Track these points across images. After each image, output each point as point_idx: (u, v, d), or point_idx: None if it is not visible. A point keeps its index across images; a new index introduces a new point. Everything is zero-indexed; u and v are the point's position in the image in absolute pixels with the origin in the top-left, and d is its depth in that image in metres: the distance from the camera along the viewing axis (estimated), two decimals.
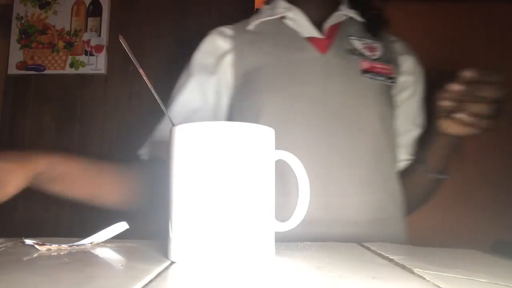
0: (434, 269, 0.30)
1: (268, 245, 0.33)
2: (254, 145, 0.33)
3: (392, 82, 0.74)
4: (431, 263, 0.32)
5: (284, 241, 0.41)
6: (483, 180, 1.22)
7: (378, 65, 0.73)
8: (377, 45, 0.76)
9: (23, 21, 1.66)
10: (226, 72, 0.75)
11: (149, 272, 0.28)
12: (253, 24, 0.77)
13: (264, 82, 0.71)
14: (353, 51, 0.73)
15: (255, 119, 0.69)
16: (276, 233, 0.36)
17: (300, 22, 0.75)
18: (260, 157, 0.33)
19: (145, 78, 0.40)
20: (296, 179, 0.37)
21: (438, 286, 0.25)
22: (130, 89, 1.66)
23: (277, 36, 0.75)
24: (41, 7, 1.67)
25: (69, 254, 0.35)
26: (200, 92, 0.75)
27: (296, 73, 0.70)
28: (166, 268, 0.30)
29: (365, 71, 0.71)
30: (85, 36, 1.66)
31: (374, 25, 0.79)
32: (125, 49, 0.39)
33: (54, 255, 0.34)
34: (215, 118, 0.75)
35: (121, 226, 0.42)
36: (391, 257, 0.35)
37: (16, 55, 1.65)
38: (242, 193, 0.31)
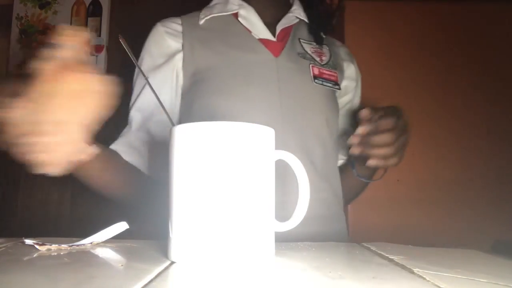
0: (434, 269, 0.30)
1: (268, 245, 0.33)
2: (254, 145, 0.33)
3: (338, 88, 0.75)
4: (431, 263, 0.32)
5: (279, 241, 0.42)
6: (483, 180, 1.22)
7: (326, 71, 0.74)
8: (325, 50, 0.77)
9: (23, 21, 1.67)
10: (178, 73, 0.71)
11: (149, 272, 0.28)
12: (204, 19, 0.73)
13: (217, 83, 0.67)
14: (304, 55, 0.73)
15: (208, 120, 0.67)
16: (276, 233, 0.36)
17: (252, 22, 0.73)
18: (260, 157, 0.33)
19: (145, 78, 0.40)
20: (296, 179, 0.37)
21: (438, 286, 0.25)
22: (130, 89, 1.66)
23: (229, 35, 0.72)
24: (41, 7, 1.67)
25: (69, 254, 0.35)
26: (165, 91, 0.71)
27: (250, 75, 0.68)
28: (166, 268, 0.30)
29: (315, 77, 0.72)
30: None
31: (322, 29, 0.79)
32: (125, 49, 0.39)
33: (54, 255, 0.34)
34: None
35: (121, 226, 0.42)
36: (391, 257, 0.35)
37: (16, 55, 1.65)
38: (242, 193, 0.31)
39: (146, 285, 0.24)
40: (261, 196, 0.33)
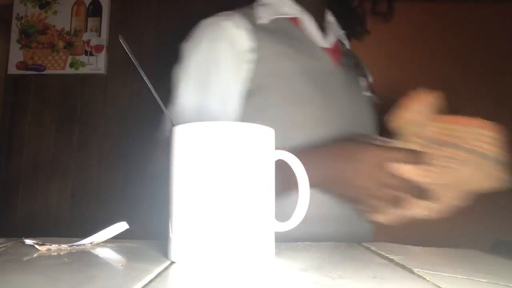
0: (434, 269, 0.30)
1: (268, 245, 0.33)
2: (254, 145, 0.33)
3: (373, 98, 0.76)
4: (431, 263, 0.32)
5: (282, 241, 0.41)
6: None
7: (367, 82, 0.75)
8: (359, 60, 0.79)
9: (23, 21, 1.67)
10: (246, 76, 0.64)
11: (149, 272, 0.28)
12: (268, 19, 0.67)
13: (291, 90, 0.63)
14: (355, 67, 0.74)
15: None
16: (276, 233, 0.36)
17: (312, 29, 0.71)
18: (260, 157, 0.33)
19: (145, 78, 0.40)
20: (296, 179, 0.36)
21: (438, 286, 0.25)
22: (130, 89, 1.66)
23: (293, 39, 0.68)
24: (41, 7, 1.67)
25: (69, 254, 0.35)
26: (221, 99, 0.63)
27: (322, 84, 0.66)
28: (166, 268, 0.30)
29: (365, 88, 0.73)
30: (85, 36, 1.66)
31: (355, 36, 0.80)
32: (125, 49, 0.39)
33: (54, 255, 0.34)
34: None
35: (121, 226, 0.42)
36: (391, 257, 0.35)
37: (16, 55, 1.65)
38: (242, 193, 0.31)
39: (146, 285, 0.24)
40: (261, 196, 0.33)
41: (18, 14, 1.67)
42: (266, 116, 0.63)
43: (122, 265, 0.31)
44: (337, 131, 0.64)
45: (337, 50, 0.74)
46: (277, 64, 0.64)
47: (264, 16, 0.68)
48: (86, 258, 0.33)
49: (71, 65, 1.64)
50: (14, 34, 1.67)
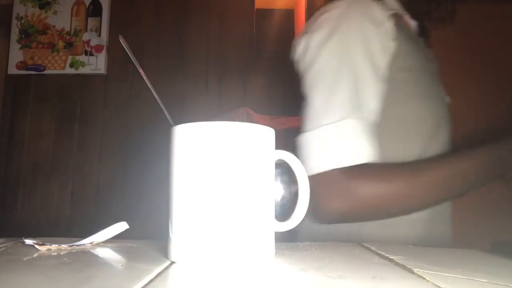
0: (434, 269, 0.30)
1: (268, 245, 0.33)
2: (254, 145, 0.33)
3: None
4: (431, 263, 0.32)
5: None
6: None
7: None
8: None
9: (23, 21, 1.67)
10: (387, 62, 0.59)
11: (149, 272, 0.28)
12: (391, 12, 0.62)
13: (420, 86, 0.62)
14: None
15: (428, 129, 0.62)
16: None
17: (412, 25, 0.72)
18: (260, 157, 0.33)
19: (145, 78, 0.40)
20: (296, 179, 0.36)
21: (438, 286, 0.25)
22: (130, 89, 1.66)
23: (417, 40, 0.70)
24: (41, 7, 1.67)
25: (69, 254, 0.35)
26: (372, 97, 0.58)
27: (434, 81, 0.68)
28: (166, 268, 0.30)
29: None
30: (85, 36, 1.66)
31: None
32: (125, 49, 0.39)
33: (54, 255, 0.34)
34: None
35: (121, 226, 0.42)
36: (391, 257, 0.35)
37: (16, 55, 1.65)
38: (242, 193, 0.31)
39: (146, 285, 0.24)
40: (261, 196, 0.33)
41: (18, 14, 1.67)
42: (395, 112, 0.60)
43: (122, 265, 0.31)
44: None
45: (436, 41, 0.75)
46: (411, 57, 0.61)
47: (389, 9, 0.63)
48: (86, 258, 0.33)
49: (71, 65, 1.64)
50: (14, 34, 1.67)
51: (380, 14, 0.59)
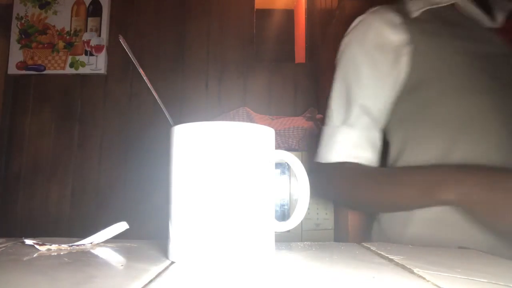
0: (434, 269, 0.30)
1: (268, 245, 0.33)
2: (254, 145, 0.33)
3: None
4: (431, 263, 0.32)
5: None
6: None
7: None
8: None
9: (23, 21, 1.67)
10: (401, 70, 0.62)
11: (149, 272, 0.28)
12: (419, 11, 0.64)
13: (460, 80, 0.59)
14: None
15: (443, 130, 0.59)
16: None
17: (472, 11, 0.65)
18: (260, 157, 0.33)
19: (145, 78, 0.40)
20: (296, 179, 0.36)
21: (438, 286, 0.25)
22: (130, 89, 1.66)
23: (456, 27, 0.63)
24: (41, 7, 1.67)
25: (69, 254, 0.35)
26: (374, 97, 0.64)
27: (495, 69, 0.60)
28: (166, 268, 0.30)
29: None
30: (85, 36, 1.66)
31: None
32: (125, 49, 0.39)
33: (54, 255, 0.34)
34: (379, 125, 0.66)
35: (121, 226, 0.42)
36: (391, 257, 0.35)
37: (16, 55, 1.65)
38: (242, 193, 0.31)
39: (146, 285, 0.24)
40: (261, 196, 0.33)
41: (18, 14, 1.67)
42: (433, 110, 0.60)
43: (122, 265, 0.31)
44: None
45: (511, 28, 0.65)
46: (438, 56, 0.61)
47: (414, 9, 0.65)
48: (86, 258, 0.33)
49: (71, 65, 1.65)
50: (14, 34, 1.67)
51: (379, 25, 0.64)
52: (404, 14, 0.65)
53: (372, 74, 0.64)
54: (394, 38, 0.63)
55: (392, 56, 0.63)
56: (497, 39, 0.63)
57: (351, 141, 0.64)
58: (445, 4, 0.66)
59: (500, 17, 0.66)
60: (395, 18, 0.64)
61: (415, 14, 0.65)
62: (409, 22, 0.64)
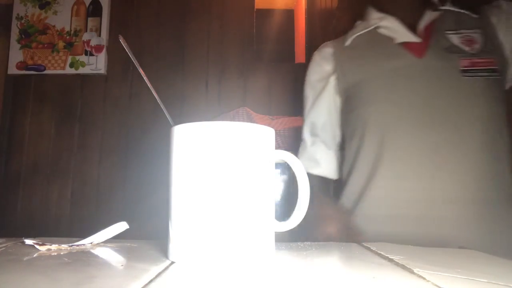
0: (434, 269, 0.30)
1: (268, 245, 0.33)
2: (254, 145, 0.33)
3: (498, 76, 0.69)
4: (431, 263, 0.32)
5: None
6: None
7: (479, 60, 0.69)
8: (477, 35, 0.71)
9: (23, 21, 1.67)
10: (335, 94, 0.79)
11: (149, 272, 0.28)
12: (350, 40, 0.78)
13: (366, 94, 0.73)
14: (452, 49, 0.70)
15: (362, 130, 0.73)
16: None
17: (394, 28, 0.74)
18: (260, 157, 0.33)
19: (145, 78, 0.40)
20: (296, 179, 0.36)
21: (438, 286, 0.25)
22: (130, 89, 1.66)
23: (373, 47, 0.75)
24: (41, 7, 1.67)
25: (69, 254, 0.35)
26: (324, 111, 0.81)
27: (395, 81, 0.71)
28: (166, 268, 0.30)
29: (465, 70, 0.68)
30: (85, 36, 1.66)
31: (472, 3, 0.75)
32: (125, 49, 0.39)
33: (54, 255, 0.34)
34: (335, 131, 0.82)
35: (121, 226, 0.42)
36: (391, 257, 0.35)
37: (16, 55, 1.65)
38: (242, 193, 0.31)
39: (146, 285, 0.24)
40: (261, 196, 0.33)
41: (18, 14, 1.67)
42: (348, 120, 0.77)
43: (122, 265, 0.31)
44: (408, 125, 0.68)
45: (428, 36, 0.72)
46: (354, 75, 0.75)
47: (347, 38, 0.79)
48: (86, 258, 0.33)
49: (71, 65, 1.64)
50: (14, 34, 1.66)
51: (318, 60, 0.82)
52: (340, 45, 0.80)
53: (314, 101, 0.81)
54: (327, 68, 0.80)
55: (326, 83, 0.79)
56: (404, 53, 0.72)
57: (305, 156, 0.81)
58: (371, 28, 0.76)
59: (422, 26, 0.73)
60: (330, 50, 0.81)
61: (347, 43, 0.78)
62: (340, 51, 0.78)
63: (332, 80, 0.78)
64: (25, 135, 1.64)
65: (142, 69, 0.40)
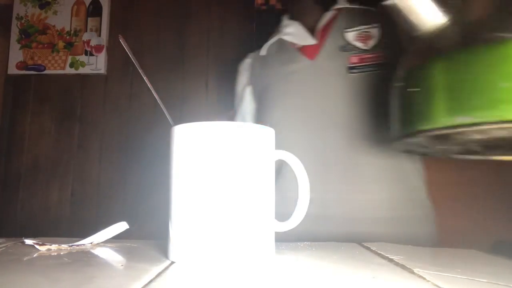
0: (434, 269, 0.30)
1: (268, 245, 0.33)
2: (254, 145, 0.33)
3: (384, 69, 0.67)
4: (431, 263, 0.32)
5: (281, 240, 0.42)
6: (483, 180, 1.22)
7: (371, 55, 0.68)
8: (374, 29, 0.71)
9: (23, 21, 1.67)
10: (249, 98, 0.84)
11: (149, 272, 0.28)
12: (264, 49, 0.82)
13: (268, 99, 0.76)
14: (345, 47, 0.71)
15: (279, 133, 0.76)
16: (276, 233, 0.36)
17: (296, 33, 0.77)
18: (260, 157, 0.33)
19: (145, 78, 0.40)
20: (296, 179, 0.36)
21: (438, 286, 0.25)
22: (130, 89, 1.66)
23: (279, 54, 0.78)
24: (41, 7, 1.67)
25: (69, 254, 0.35)
26: (245, 118, 0.86)
27: (288, 85, 0.73)
28: (166, 268, 0.30)
29: (352, 67, 0.68)
30: (85, 36, 1.66)
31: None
32: (125, 49, 0.39)
33: (54, 255, 0.34)
34: None
35: (121, 226, 0.42)
36: (391, 257, 0.35)
37: (16, 55, 1.65)
38: (242, 193, 0.31)
39: (146, 285, 0.24)
40: (261, 196, 0.33)
41: (18, 14, 1.67)
42: (260, 121, 0.79)
43: (122, 265, 0.31)
44: (302, 125, 0.70)
45: (324, 37, 0.73)
46: (262, 81, 0.79)
47: (263, 48, 0.83)
48: (86, 258, 0.33)
49: (71, 65, 1.64)
50: (14, 34, 1.66)
51: (242, 69, 0.87)
52: (257, 55, 0.83)
53: (237, 109, 0.88)
54: (245, 78, 0.86)
55: (245, 91, 0.85)
56: (299, 56, 0.74)
57: None
58: (278, 37, 0.80)
59: (320, 26, 0.75)
60: (249, 61, 0.86)
61: (262, 53, 0.82)
62: (256, 61, 0.83)
63: (249, 89, 0.84)
64: (25, 135, 1.64)
65: (142, 69, 0.40)
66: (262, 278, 0.27)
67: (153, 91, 0.42)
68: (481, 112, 0.32)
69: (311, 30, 0.75)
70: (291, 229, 0.37)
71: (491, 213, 1.20)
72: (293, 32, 0.78)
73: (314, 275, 0.28)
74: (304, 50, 0.74)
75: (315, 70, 0.71)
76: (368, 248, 0.40)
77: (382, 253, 0.37)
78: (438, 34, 0.38)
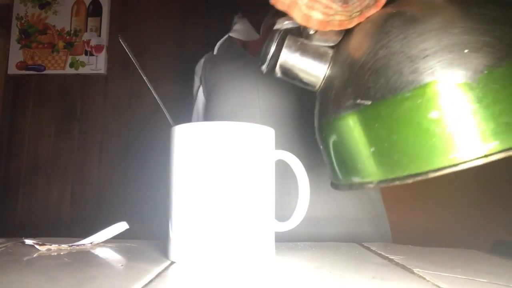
0: (434, 269, 0.30)
1: (268, 245, 0.33)
2: (254, 145, 0.33)
3: None
4: (431, 263, 0.32)
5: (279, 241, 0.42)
6: (483, 180, 1.22)
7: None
8: None
9: (23, 21, 1.66)
10: (202, 96, 0.85)
11: (149, 272, 0.28)
12: (216, 48, 0.82)
13: (214, 96, 0.76)
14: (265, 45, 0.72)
15: None
16: (276, 233, 0.36)
17: (243, 31, 0.77)
18: (260, 157, 0.33)
19: (145, 78, 0.40)
20: (296, 179, 0.36)
21: (438, 286, 0.25)
22: (130, 89, 1.66)
23: (227, 52, 0.79)
24: (41, 7, 1.67)
25: (69, 254, 0.35)
26: (199, 117, 0.86)
27: (234, 82, 0.73)
28: (166, 268, 0.30)
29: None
30: (85, 36, 1.66)
31: None
32: (125, 49, 0.39)
33: (54, 255, 0.34)
34: None
35: (121, 226, 0.42)
36: (391, 257, 0.35)
37: (16, 55, 1.65)
38: (242, 193, 0.31)
39: (146, 285, 0.24)
40: (261, 196, 0.33)
41: (18, 14, 1.67)
42: (209, 116, 0.79)
43: (122, 265, 0.31)
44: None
45: (269, 32, 0.73)
46: (211, 80, 0.79)
47: (215, 47, 0.83)
48: (86, 258, 0.33)
49: (71, 65, 1.64)
50: (14, 34, 1.66)
51: (197, 69, 0.86)
52: (210, 55, 0.83)
53: (193, 107, 0.88)
54: (198, 77, 0.85)
55: (198, 90, 0.85)
56: (243, 53, 0.74)
57: None
58: (228, 35, 0.80)
59: (262, 28, 0.76)
60: (202, 61, 0.85)
61: (214, 52, 0.82)
62: (208, 61, 0.82)
63: (200, 88, 0.85)
64: (25, 135, 1.64)
65: (142, 69, 0.40)
66: (262, 278, 0.27)
67: (153, 91, 0.42)
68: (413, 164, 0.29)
69: (259, 27, 0.75)
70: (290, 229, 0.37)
71: (490, 213, 1.20)
72: (239, 29, 0.78)
73: (314, 275, 0.28)
74: (248, 46, 0.75)
75: (257, 66, 0.71)
76: (368, 248, 0.40)
77: (382, 253, 0.37)
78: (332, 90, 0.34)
